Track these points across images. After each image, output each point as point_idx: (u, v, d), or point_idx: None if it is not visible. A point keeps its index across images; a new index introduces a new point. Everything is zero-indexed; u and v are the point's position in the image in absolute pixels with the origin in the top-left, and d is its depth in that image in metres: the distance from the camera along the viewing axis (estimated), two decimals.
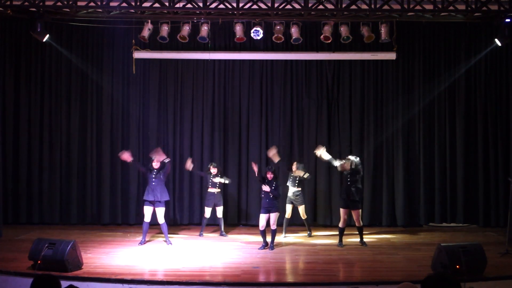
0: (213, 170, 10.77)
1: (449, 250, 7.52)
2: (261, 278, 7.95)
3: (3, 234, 9.99)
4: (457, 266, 7.36)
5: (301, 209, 10.80)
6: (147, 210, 9.85)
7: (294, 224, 11.34)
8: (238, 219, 12.12)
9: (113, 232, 11.25)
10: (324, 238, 10.77)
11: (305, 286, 7.51)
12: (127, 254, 9.11)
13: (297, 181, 10.72)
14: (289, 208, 10.76)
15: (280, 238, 10.45)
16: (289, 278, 8.01)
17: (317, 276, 7.80)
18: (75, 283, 6.36)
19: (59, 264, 7.58)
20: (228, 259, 8.88)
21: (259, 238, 9.86)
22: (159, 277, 7.81)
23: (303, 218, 10.88)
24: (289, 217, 10.83)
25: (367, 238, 10.37)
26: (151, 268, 8.27)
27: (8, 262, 8.37)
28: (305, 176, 10.61)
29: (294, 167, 10.76)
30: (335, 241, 10.22)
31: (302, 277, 7.93)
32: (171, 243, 9.90)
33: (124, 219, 12.00)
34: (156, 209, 9.84)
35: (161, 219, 9.87)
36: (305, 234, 10.92)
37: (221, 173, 11.10)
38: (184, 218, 12.10)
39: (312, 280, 7.61)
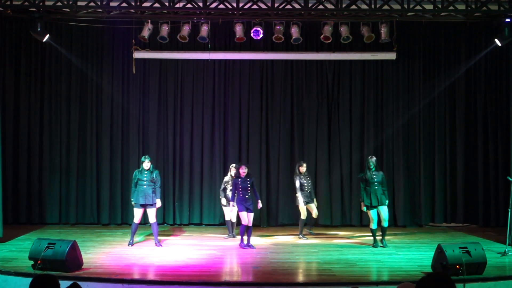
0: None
1: (449, 250, 7.53)
2: (261, 278, 7.93)
3: (3, 234, 9.98)
4: (457, 266, 7.38)
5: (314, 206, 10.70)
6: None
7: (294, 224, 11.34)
8: (237, 219, 12.08)
9: (113, 232, 11.26)
10: (324, 238, 10.77)
11: (305, 286, 7.50)
12: (127, 254, 9.10)
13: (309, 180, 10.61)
14: (305, 208, 10.52)
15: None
16: (289, 278, 7.99)
17: (317, 276, 7.80)
18: None
19: (59, 264, 7.57)
20: (228, 259, 8.88)
21: (259, 239, 9.87)
22: (159, 277, 7.80)
23: (315, 216, 10.79)
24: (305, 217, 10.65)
25: (367, 238, 10.35)
26: (151, 268, 8.26)
27: (8, 262, 8.37)
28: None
29: (303, 168, 10.59)
30: (335, 240, 10.30)
31: (302, 277, 7.93)
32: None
33: (124, 219, 12.00)
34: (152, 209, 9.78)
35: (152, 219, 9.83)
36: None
37: None
38: (184, 218, 12.10)
39: (312, 280, 7.61)
